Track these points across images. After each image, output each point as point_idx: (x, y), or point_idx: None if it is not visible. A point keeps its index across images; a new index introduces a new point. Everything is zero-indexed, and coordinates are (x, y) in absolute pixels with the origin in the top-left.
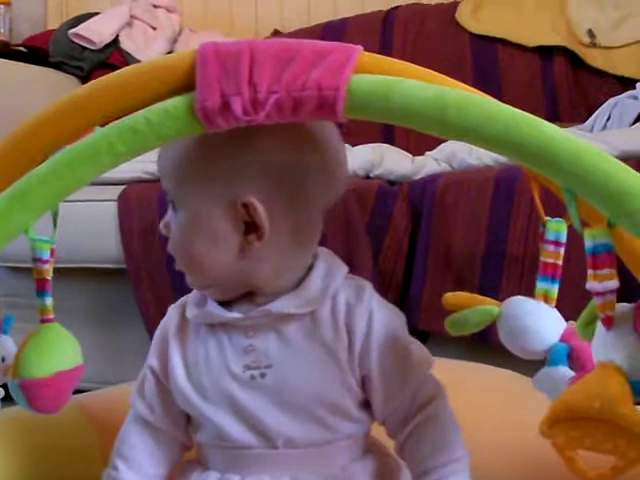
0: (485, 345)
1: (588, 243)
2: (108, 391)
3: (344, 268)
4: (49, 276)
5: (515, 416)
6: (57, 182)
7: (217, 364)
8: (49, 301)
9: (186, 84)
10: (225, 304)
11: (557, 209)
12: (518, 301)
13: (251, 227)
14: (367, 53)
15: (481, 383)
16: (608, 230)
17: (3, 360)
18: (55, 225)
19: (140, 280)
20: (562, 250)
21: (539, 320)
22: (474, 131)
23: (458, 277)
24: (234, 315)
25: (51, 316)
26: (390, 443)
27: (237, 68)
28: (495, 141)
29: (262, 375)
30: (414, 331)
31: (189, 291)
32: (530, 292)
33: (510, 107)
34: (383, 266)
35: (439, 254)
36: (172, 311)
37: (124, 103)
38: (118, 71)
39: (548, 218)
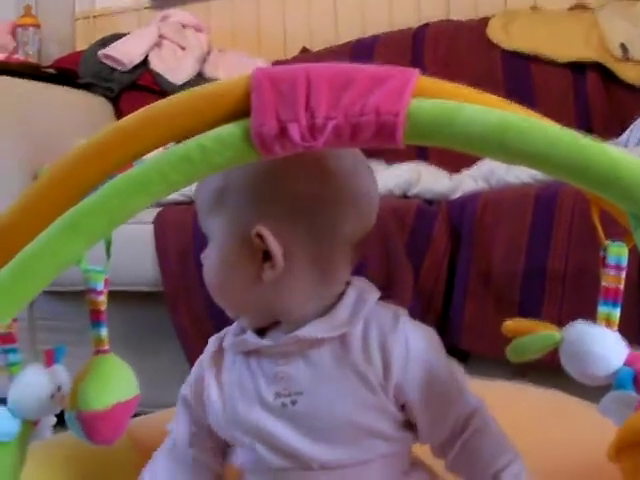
0: (525, 365)
1: None
2: (153, 416)
3: (376, 294)
4: (103, 307)
5: (564, 435)
6: (109, 212)
7: (249, 392)
8: (104, 332)
9: (241, 110)
10: (260, 332)
11: (611, 234)
12: (581, 326)
13: (268, 256)
14: (425, 77)
15: (525, 402)
16: None
17: (59, 390)
18: (108, 255)
19: (176, 303)
20: (623, 274)
21: (604, 345)
22: (538, 157)
23: (498, 297)
24: (264, 342)
25: (106, 347)
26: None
27: (293, 93)
28: (559, 167)
29: (293, 402)
30: (455, 350)
31: (225, 313)
32: (571, 311)
33: (573, 132)
34: (423, 286)
35: (479, 274)
36: (211, 342)
37: (176, 131)
38: (169, 98)
39: (609, 242)
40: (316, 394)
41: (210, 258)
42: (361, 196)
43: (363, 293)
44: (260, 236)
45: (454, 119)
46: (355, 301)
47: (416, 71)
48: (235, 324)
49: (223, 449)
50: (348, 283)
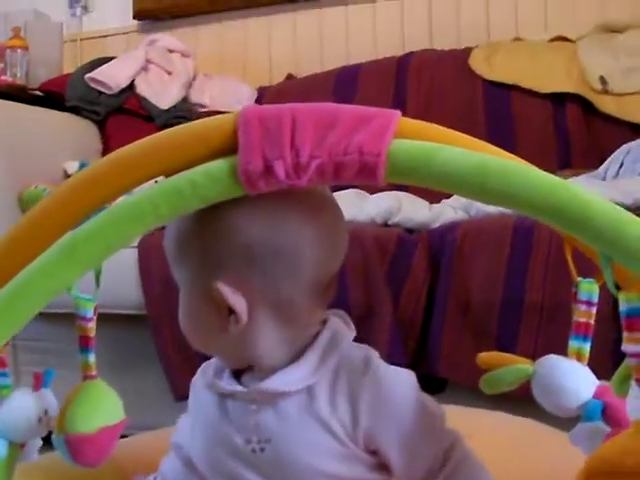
0: (503, 393)
1: (623, 306)
2: (135, 439)
3: (350, 334)
4: (92, 334)
5: (536, 463)
6: (102, 240)
7: (222, 435)
8: (92, 358)
9: (230, 147)
10: (238, 374)
11: (584, 269)
12: (553, 360)
13: (232, 310)
14: (406, 119)
15: (501, 431)
16: None
17: (46, 413)
18: (98, 284)
19: (160, 326)
20: (594, 310)
21: (574, 378)
22: (514, 198)
23: (476, 326)
24: (237, 389)
25: (94, 372)
26: None
27: (279, 132)
28: (534, 208)
29: (262, 450)
30: (432, 379)
31: None
32: (548, 341)
33: (550, 175)
34: (402, 314)
35: (458, 302)
36: (199, 372)
37: (169, 164)
38: (162, 132)
39: (580, 279)
40: (283, 443)
41: (180, 305)
42: (321, 238)
43: (336, 336)
44: (220, 292)
45: (432, 160)
46: (326, 347)
47: (397, 113)
48: (215, 359)
49: None
50: (325, 321)
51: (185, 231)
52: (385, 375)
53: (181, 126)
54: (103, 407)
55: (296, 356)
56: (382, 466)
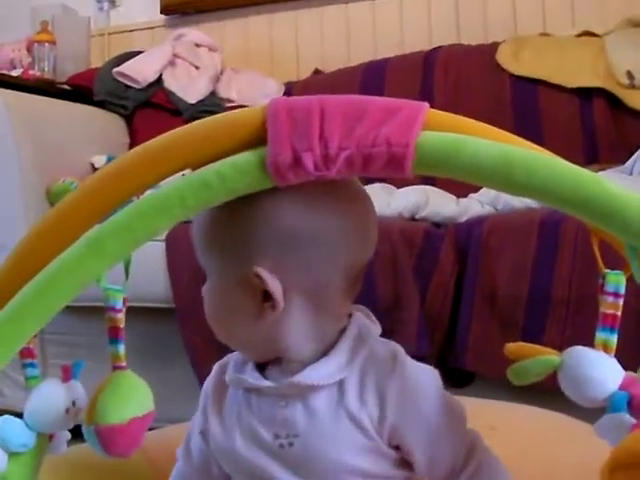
0: (530, 386)
1: None
2: (164, 431)
3: (377, 330)
4: (122, 324)
5: (564, 457)
6: (130, 233)
7: (248, 429)
8: (122, 349)
9: (257, 139)
10: (262, 368)
11: (611, 261)
12: (580, 351)
13: (267, 296)
14: (434, 110)
15: (529, 424)
16: None
17: (74, 404)
18: (127, 274)
19: (187, 320)
20: (621, 301)
21: (601, 369)
22: (540, 190)
23: (503, 319)
24: (265, 384)
25: (123, 364)
26: None
27: (308, 124)
28: (561, 200)
29: (290, 444)
30: (460, 372)
31: None
32: (575, 334)
33: (575, 166)
34: (430, 308)
35: (485, 296)
36: (214, 370)
37: (196, 157)
38: (190, 125)
39: (607, 270)
40: (312, 437)
41: (209, 295)
42: (355, 227)
43: (363, 331)
44: (259, 276)
45: (460, 151)
46: (354, 342)
47: (425, 104)
48: (237, 354)
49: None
50: (350, 315)
51: (219, 218)
52: (412, 371)
53: (209, 118)
54: (133, 398)
55: (325, 351)
56: (405, 463)
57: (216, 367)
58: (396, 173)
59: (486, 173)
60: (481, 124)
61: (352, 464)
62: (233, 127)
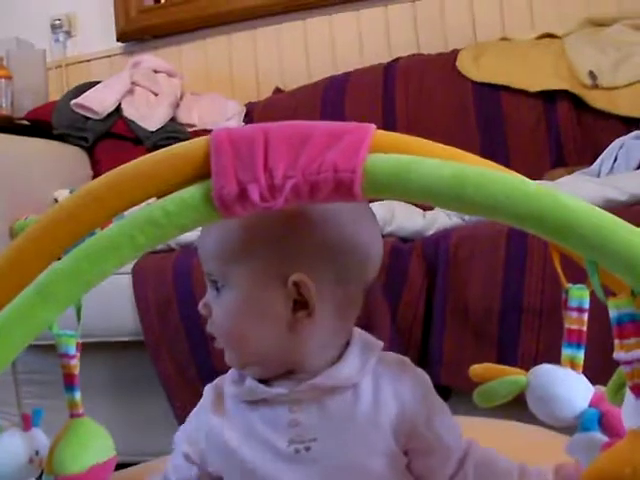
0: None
1: (612, 313)
2: (141, 467)
3: (379, 343)
4: (76, 371)
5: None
6: (79, 276)
7: (260, 439)
8: (78, 396)
9: (202, 172)
10: (263, 381)
11: (576, 274)
12: (546, 370)
13: (299, 304)
14: (381, 131)
15: (511, 440)
16: (632, 299)
17: (37, 454)
18: (79, 319)
19: (159, 351)
20: (585, 316)
21: (568, 387)
22: (493, 208)
23: (476, 331)
24: (279, 391)
25: (80, 411)
26: None
27: (252, 154)
28: (515, 216)
29: (307, 449)
30: (436, 388)
31: (209, 359)
32: (548, 344)
33: (530, 181)
34: (401, 324)
35: (456, 309)
36: (207, 391)
37: (143, 194)
38: (133, 162)
39: (570, 285)
40: (329, 440)
41: (227, 307)
42: (380, 241)
43: (368, 341)
44: (296, 285)
45: (410, 173)
46: (362, 351)
47: (372, 126)
48: (231, 371)
49: None
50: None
51: (253, 224)
52: (421, 373)
53: (154, 153)
54: (92, 445)
55: (333, 362)
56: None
57: (209, 388)
58: (346, 199)
59: (438, 193)
60: (431, 143)
61: (369, 466)
62: (178, 161)
